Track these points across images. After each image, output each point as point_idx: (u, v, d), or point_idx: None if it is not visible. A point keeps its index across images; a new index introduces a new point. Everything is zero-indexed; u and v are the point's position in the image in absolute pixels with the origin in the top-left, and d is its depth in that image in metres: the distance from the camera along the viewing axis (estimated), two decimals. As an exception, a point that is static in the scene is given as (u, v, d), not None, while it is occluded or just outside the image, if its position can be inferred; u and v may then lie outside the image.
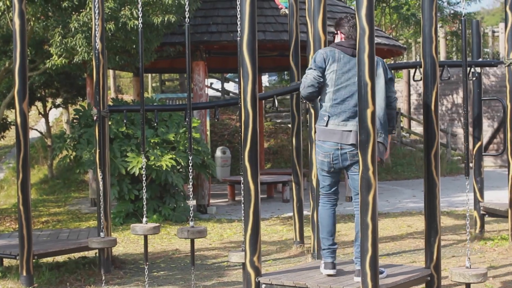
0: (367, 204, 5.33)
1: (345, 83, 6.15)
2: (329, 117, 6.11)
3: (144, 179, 7.37)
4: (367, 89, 5.33)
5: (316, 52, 6.53)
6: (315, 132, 6.40)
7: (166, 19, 11.65)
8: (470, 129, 10.34)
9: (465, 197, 12.92)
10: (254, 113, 5.94)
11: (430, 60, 6.26)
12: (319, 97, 6.25)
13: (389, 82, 6.23)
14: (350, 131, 6.03)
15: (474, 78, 9.47)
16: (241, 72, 5.99)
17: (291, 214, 12.37)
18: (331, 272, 6.08)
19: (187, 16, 6.79)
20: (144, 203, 7.35)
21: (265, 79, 34.09)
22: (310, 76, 6.21)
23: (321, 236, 6.31)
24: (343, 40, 6.36)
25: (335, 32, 6.50)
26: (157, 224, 7.23)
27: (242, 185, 6.06)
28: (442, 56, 27.41)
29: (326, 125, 6.11)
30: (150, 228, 7.07)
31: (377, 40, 14.73)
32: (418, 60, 24.27)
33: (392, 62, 23.27)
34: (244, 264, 6.10)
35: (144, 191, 7.31)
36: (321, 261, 6.25)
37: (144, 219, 7.22)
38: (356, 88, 5.94)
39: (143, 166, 7.45)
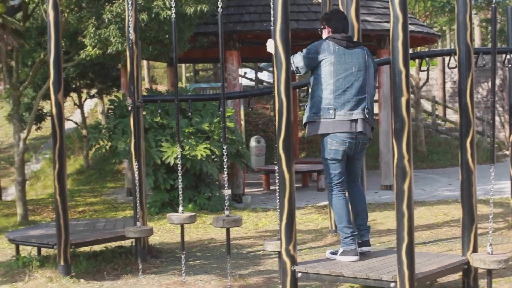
0: (402, 192, 5.31)
1: (344, 74, 6.28)
2: (335, 109, 6.24)
3: (179, 168, 7.40)
4: (401, 77, 5.31)
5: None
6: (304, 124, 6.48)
7: (199, 9, 11.68)
8: (506, 116, 10.22)
9: (502, 185, 12.78)
10: (288, 102, 5.94)
11: (464, 48, 6.20)
12: (317, 90, 6.32)
13: (375, 73, 6.51)
14: (357, 119, 6.25)
15: (510, 65, 9.35)
16: (275, 61, 5.99)
17: (326, 203, 12.37)
18: (357, 258, 6.18)
19: (220, 5, 6.79)
20: (180, 192, 7.37)
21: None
22: (295, 59, 6.33)
23: (341, 226, 6.34)
24: (332, 34, 6.45)
25: (322, 27, 6.57)
26: (193, 213, 7.25)
27: (277, 174, 6.07)
28: (477, 44, 27.17)
29: (334, 117, 6.24)
30: (186, 217, 7.10)
31: (410, 28, 14.62)
32: (452, 47, 24.08)
33: (427, 49, 23.09)
34: (279, 253, 6.11)
35: (179, 180, 7.34)
36: (340, 250, 6.28)
37: (180, 208, 7.26)
38: (354, 78, 6.25)
39: (178, 156, 7.47)
